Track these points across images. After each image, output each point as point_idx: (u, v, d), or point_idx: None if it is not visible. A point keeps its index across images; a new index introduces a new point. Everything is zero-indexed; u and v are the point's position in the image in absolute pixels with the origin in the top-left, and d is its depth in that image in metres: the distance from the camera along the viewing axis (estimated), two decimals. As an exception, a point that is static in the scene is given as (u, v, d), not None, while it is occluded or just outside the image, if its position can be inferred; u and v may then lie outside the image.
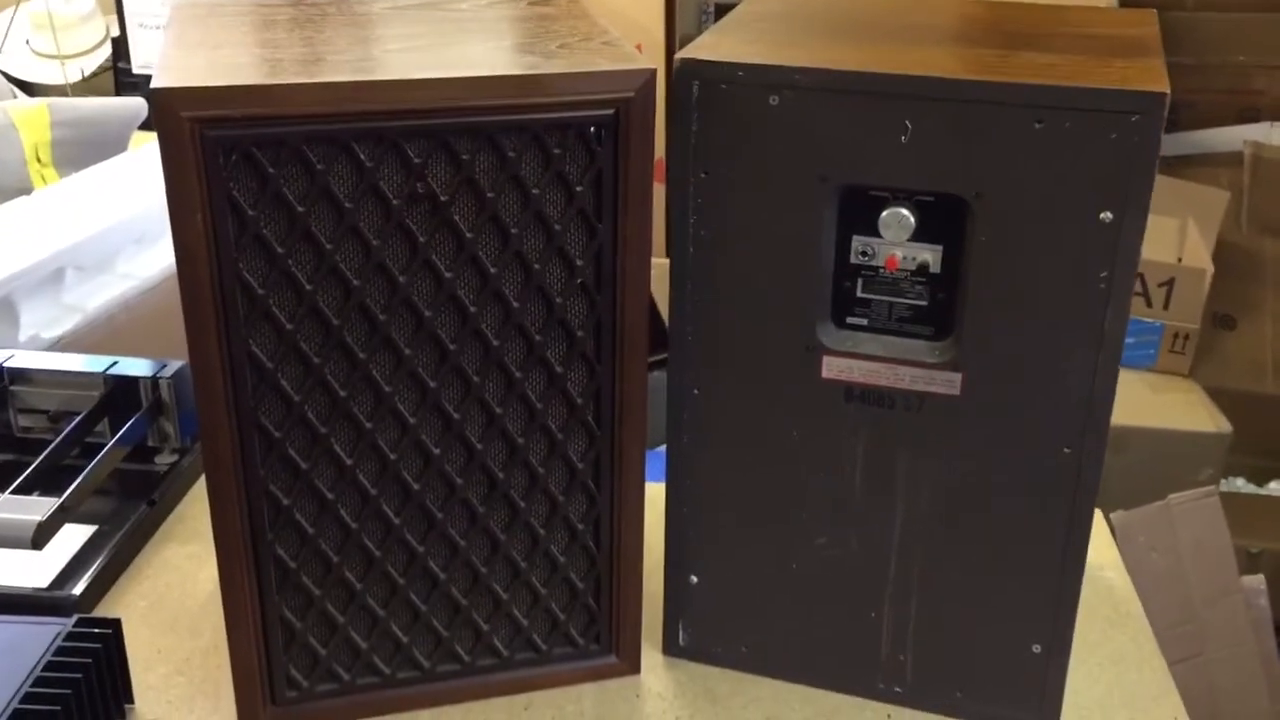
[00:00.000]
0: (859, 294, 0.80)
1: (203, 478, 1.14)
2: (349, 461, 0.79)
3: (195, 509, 1.11)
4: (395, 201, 0.73)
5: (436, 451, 0.81)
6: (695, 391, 0.84)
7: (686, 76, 0.76)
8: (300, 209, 0.72)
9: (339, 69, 0.72)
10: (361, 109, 0.71)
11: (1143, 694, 0.90)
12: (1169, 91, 0.68)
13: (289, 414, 0.77)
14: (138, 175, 1.61)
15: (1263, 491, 1.99)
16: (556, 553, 0.87)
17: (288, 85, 0.70)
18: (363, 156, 0.72)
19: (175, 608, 0.99)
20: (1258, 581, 1.38)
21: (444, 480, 0.82)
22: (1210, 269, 2.09)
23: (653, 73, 0.74)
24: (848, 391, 0.81)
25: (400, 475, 0.81)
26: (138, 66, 2.56)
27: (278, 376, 0.76)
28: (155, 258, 1.46)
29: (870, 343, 0.80)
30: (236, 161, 0.70)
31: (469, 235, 0.75)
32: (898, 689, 0.88)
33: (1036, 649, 0.84)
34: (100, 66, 2.80)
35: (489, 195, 0.74)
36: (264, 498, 0.79)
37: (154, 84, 0.69)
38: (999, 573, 0.82)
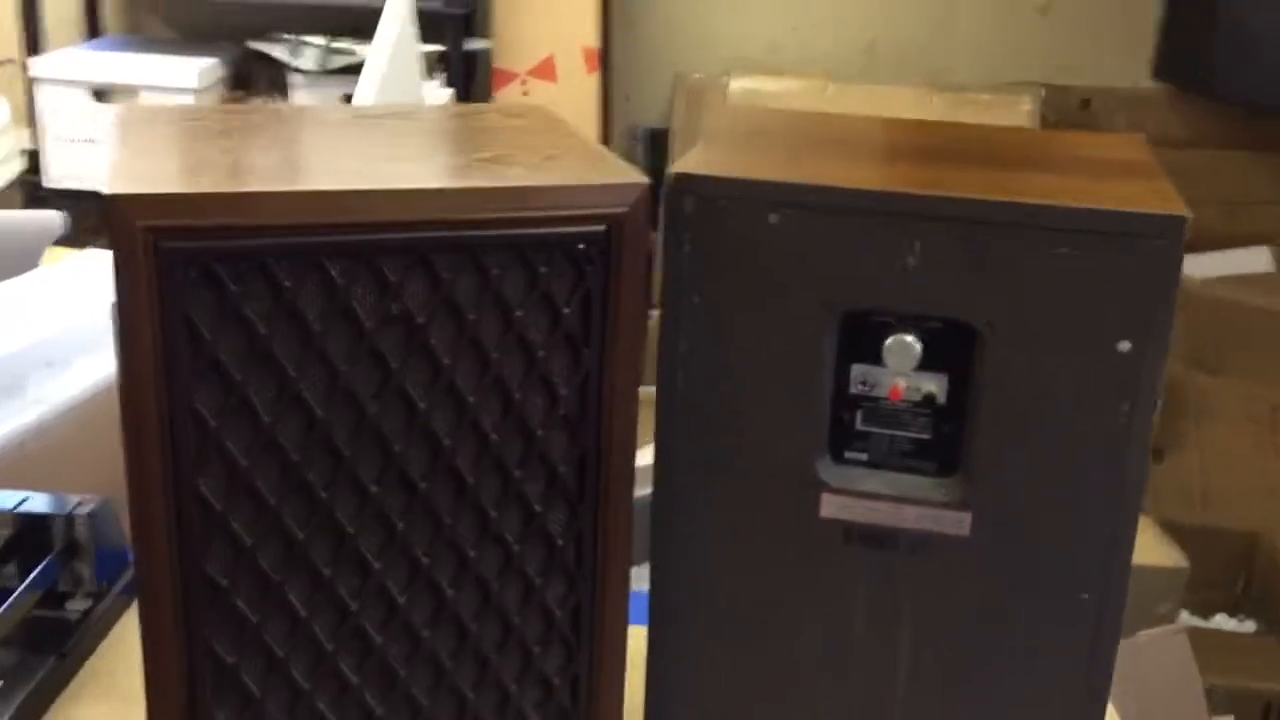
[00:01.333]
0: (858, 426, 0.75)
1: (119, 625, 1.04)
2: (304, 614, 0.71)
3: (111, 661, 1.00)
4: (368, 323, 0.67)
5: (402, 600, 0.73)
6: (684, 532, 0.78)
7: (680, 192, 0.72)
8: (263, 331, 0.65)
9: (313, 177, 0.67)
10: (339, 221, 0.65)
11: None
12: (1189, 216, 0.66)
13: (238, 561, 0.69)
14: (48, 293, 1.51)
15: (1209, 625, 1.97)
16: (529, 712, 0.78)
17: (259, 194, 0.64)
18: (334, 274, 0.65)
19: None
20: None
21: (408, 633, 0.74)
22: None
23: (646, 186, 0.70)
24: (847, 531, 0.75)
25: (361, 628, 0.73)
26: (52, 180, 2.46)
27: (228, 519, 0.68)
28: (68, 383, 1.36)
29: (871, 479, 0.75)
30: (195, 277, 0.63)
31: (446, 361, 0.69)
32: None
33: (1053, 812, 0.77)
34: (8, 181, 2.69)
35: (470, 317, 0.69)
36: (207, 659, 0.70)
37: (108, 189, 0.62)
38: (1007, 713, 0.76)
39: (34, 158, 2.66)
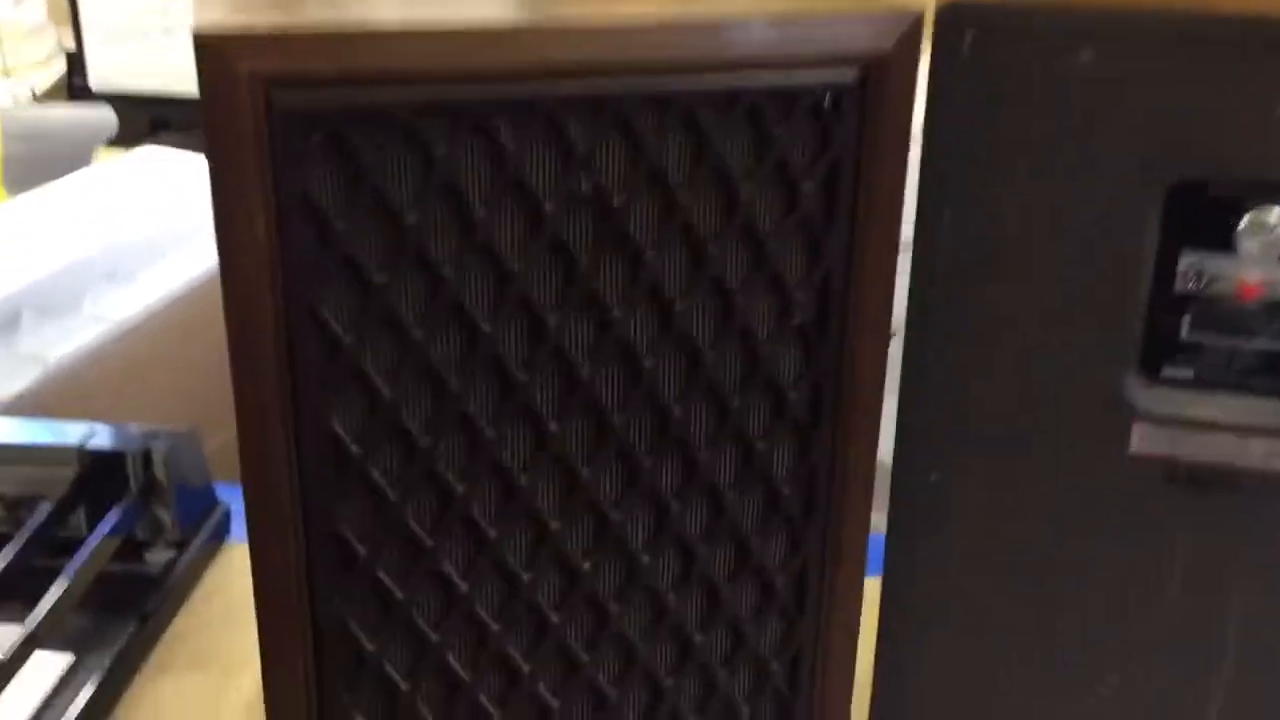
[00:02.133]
0: (1185, 335, 0.56)
1: (207, 577, 0.89)
2: (463, 585, 0.55)
3: (202, 620, 0.85)
4: (548, 206, 0.50)
5: (586, 566, 0.56)
6: (933, 477, 0.60)
7: (957, 23, 0.53)
8: (411, 218, 0.48)
9: (465, 10, 0.49)
10: (508, 66, 0.47)
11: None
12: None
13: (379, 519, 0.53)
14: (107, 195, 1.35)
15: None
16: (739, 701, 0.62)
17: (403, 33, 0.46)
18: (504, 138, 0.48)
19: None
20: None
21: (591, 607, 0.58)
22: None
23: (918, 18, 0.51)
24: (1169, 472, 0.57)
25: (534, 603, 0.56)
26: (97, 84, 2.28)
27: (367, 465, 0.52)
28: (132, 296, 1.21)
29: (1203, 404, 0.57)
30: (320, 144, 0.47)
31: (648, 255, 0.52)
32: None
33: None
34: (53, 84, 2.53)
35: (679, 197, 0.51)
36: (339, 644, 0.54)
37: (198, 26, 0.45)
38: (1377, 725, 0.58)
39: (75, 59, 2.44)
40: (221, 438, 1.27)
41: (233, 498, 0.95)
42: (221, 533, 0.92)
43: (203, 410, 1.11)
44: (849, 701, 0.63)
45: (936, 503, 0.61)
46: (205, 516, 0.92)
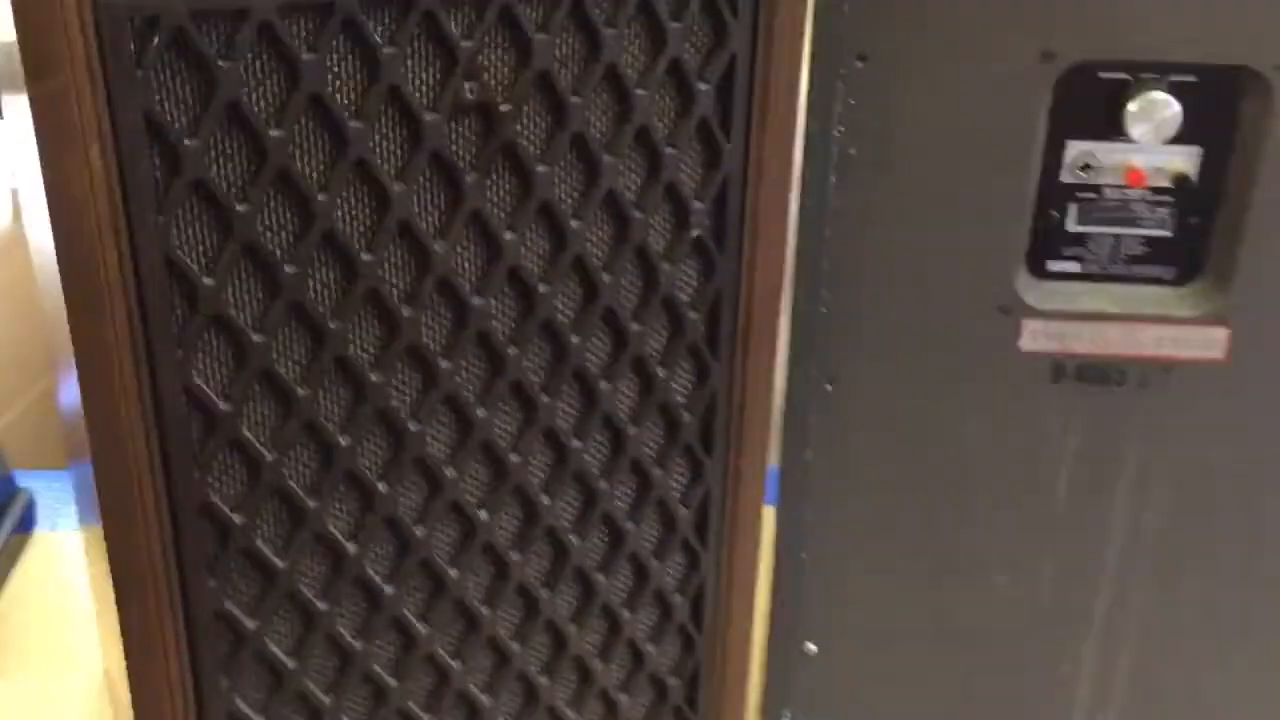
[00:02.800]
0: (1072, 226, 0.56)
1: (15, 575, 0.80)
2: (350, 547, 0.49)
3: (16, 625, 0.76)
4: (428, 116, 0.44)
5: (482, 514, 0.52)
6: (828, 386, 0.59)
7: (847, -92, 0.50)
8: (274, 133, 0.42)
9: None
10: (377, -47, 0.41)
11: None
12: None
13: (253, 489, 0.46)
14: None
15: None
16: (641, 641, 0.59)
17: (253, -93, 0.39)
18: (375, 36, 0.42)
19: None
20: None
21: (490, 556, 0.53)
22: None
23: (812, -101, 0.48)
24: (1057, 368, 0.57)
25: (428, 558, 0.51)
26: None
27: (238, 421, 0.45)
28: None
29: (1090, 296, 0.57)
30: (161, 48, 0.39)
31: (539, 169, 0.47)
32: (1093, 762, 0.66)
33: (1293, 689, 0.63)
34: None
35: (571, 100, 0.46)
36: (216, 627, 0.48)
37: (1, -92, 0.37)
38: (1256, 593, 0.61)
39: None
40: (6, 418, 1.14)
41: (34, 484, 0.85)
42: (28, 523, 0.82)
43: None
44: (751, 630, 0.61)
45: (832, 412, 0.59)
46: (6, 507, 0.81)
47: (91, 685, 0.71)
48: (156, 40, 0.39)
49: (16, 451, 0.90)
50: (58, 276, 0.42)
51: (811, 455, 0.60)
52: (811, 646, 0.65)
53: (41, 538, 0.83)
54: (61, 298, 0.42)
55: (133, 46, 0.39)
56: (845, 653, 0.65)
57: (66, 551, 0.82)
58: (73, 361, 0.50)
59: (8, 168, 1.27)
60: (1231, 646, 0.62)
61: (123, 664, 0.55)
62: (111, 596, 0.56)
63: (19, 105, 0.50)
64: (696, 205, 0.51)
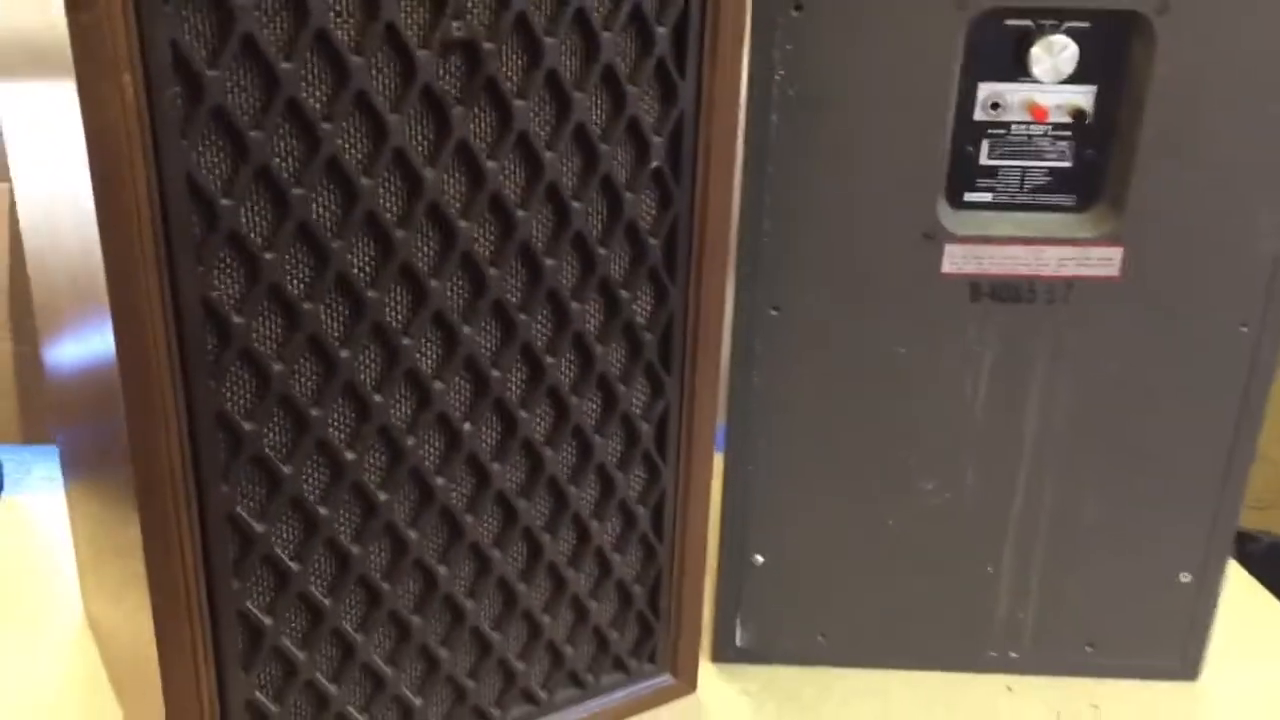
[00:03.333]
0: (984, 160, 0.63)
1: None
2: (349, 455, 0.54)
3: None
4: (421, 53, 0.49)
5: (466, 426, 0.57)
6: (773, 311, 0.65)
7: (784, -128, 0.56)
8: (285, 65, 0.46)
9: None
10: (377, -98, 0.46)
11: (1264, 622, 0.79)
12: None
13: (262, 398, 0.51)
14: None
15: None
16: (608, 550, 0.64)
17: None
18: (376, -19, 0.47)
19: (20, 718, 0.68)
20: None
21: (473, 467, 0.58)
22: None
23: None
24: (974, 288, 0.64)
25: (417, 466, 0.56)
26: None
27: (249, 333, 0.50)
28: None
29: (1002, 223, 0.63)
30: (186, -14, 0.44)
31: (517, 103, 0.52)
32: (1014, 654, 0.73)
33: (1186, 578, 0.70)
34: None
35: (545, 40, 0.52)
36: (228, 525, 0.52)
37: None
38: (1149, 489, 0.68)
39: None
40: None
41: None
42: (-4, 483, 0.85)
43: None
44: (706, 538, 0.67)
45: (776, 333, 0.65)
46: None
47: (72, 629, 0.74)
48: (182, -22, 0.44)
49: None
50: (64, 228, 0.46)
51: (757, 376, 0.66)
52: (759, 557, 0.70)
53: (7, 500, 0.86)
54: (70, 257, 0.47)
55: (161, -17, 0.43)
56: (790, 561, 0.70)
57: (34, 514, 0.85)
58: (72, 316, 0.54)
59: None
60: (1127, 536, 0.69)
61: (117, 585, 0.59)
62: (102, 542, 0.60)
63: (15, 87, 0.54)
64: (655, 139, 0.56)
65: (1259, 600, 0.82)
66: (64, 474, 0.71)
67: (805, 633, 0.72)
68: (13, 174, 0.63)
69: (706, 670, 0.73)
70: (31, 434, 1.27)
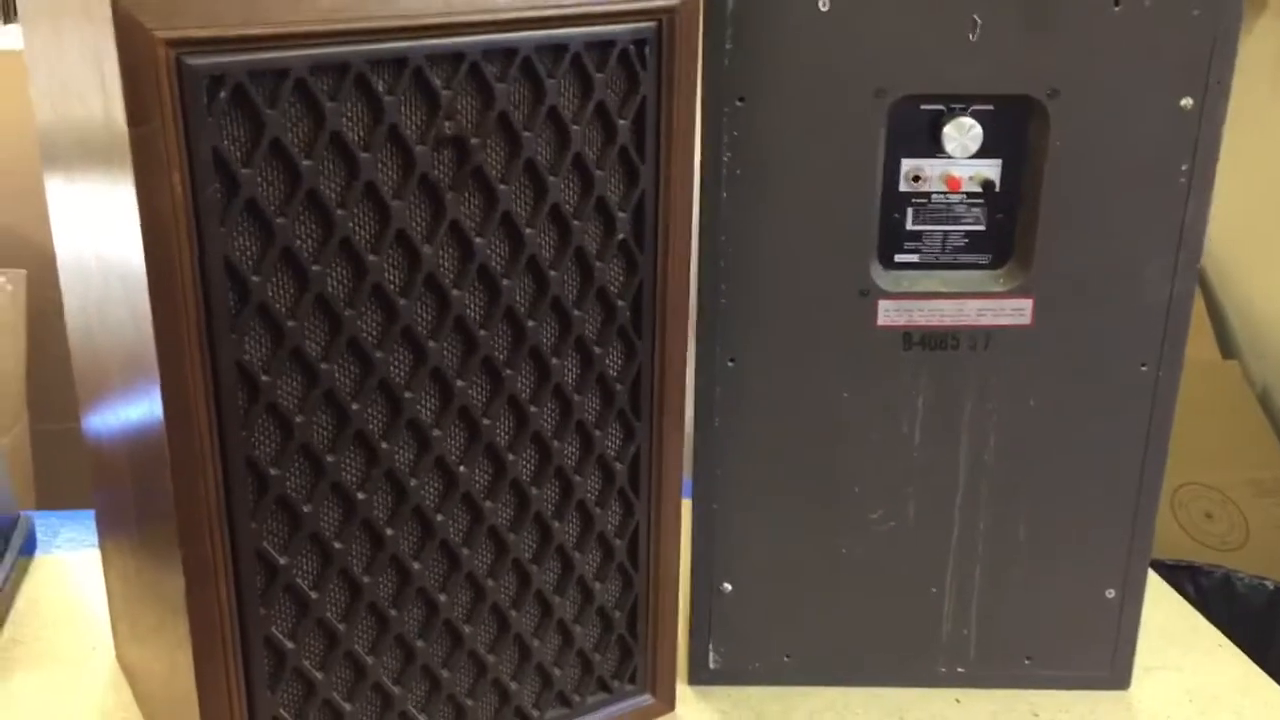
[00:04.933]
0: (909, 226, 0.72)
1: (27, 587, 0.89)
2: (360, 495, 0.62)
3: (34, 627, 0.86)
4: (418, 148, 0.58)
5: (462, 469, 0.65)
6: (730, 363, 0.73)
7: (721, -14, 0.66)
8: (306, 162, 0.55)
9: (341, -21, 0.57)
10: (379, 26, 0.55)
11: (1190, 635, 0.87)
12: (1241, -35, 0.66)
13: (287, 442, 0.59)
14: None
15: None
16: (590, 578, 0.72)
17: (291, -5, 0.53)
18: (380, 89, 0.56)
19: (51, 754, 0.75)
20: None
21: (468, 504, 0.66)
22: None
23: (698, -22, 0.64)
24: (906, 338, 0.73)
25: (419, 505, 0.64)
26: None
27: (274, 391, 0.58)
28: None
29: (928, 279, 0.72)
30: (225, 100, 0.53)
31: (501, 188, 0.61)
32: (960, 669, 0.80)
33: (1110, 594, 0.78)
34: None
35: (524, 134, 0.61)
36: (255, 561, 0.60)
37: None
38: (1070, 513, 0.76)
39: None
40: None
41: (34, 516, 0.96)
42: (30, 548, 0.92)
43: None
44: (678, 568, 0.75)
45: (733, 383, 0.73)
46: (11, 531, 0.91)
47: (108, 671, 0.81)
48: (221, 94, 0.52)
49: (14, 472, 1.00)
50: (98, 311, 0.54)
51: (719, 421, 0.74)
52: (727, 586, 0.78)
53: (43, 559, 0.93)
54: (115, 334, 0.55)
55: (205, 98, 0.52)
56: (755, 589, 0.78)
57: (67, 571, 0.92)
58: (119, 382, 0.62)
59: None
60: (1055, 558, 0.77)
61: (152, 627, 0.66)
62: (137, 589, 0.68)
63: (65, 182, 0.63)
64: (621, 215, 0.65)
65: (1185, 617, 0.90)
66: (100, 530, 0.79)
67: (772, 655, 0.80)
68: (59, 258, 0.71)
69: (683, 691, 0.80)
70: (47, 502, 1.35)
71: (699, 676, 0.81)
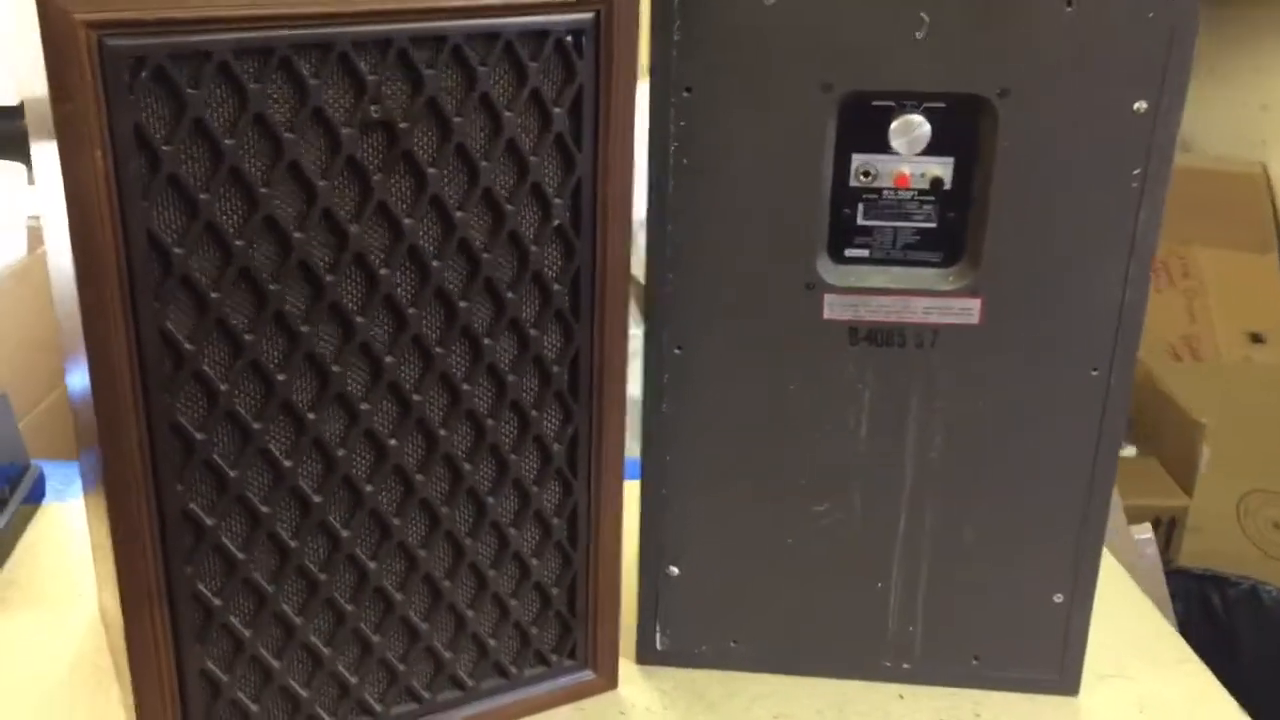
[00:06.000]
0: (860, 221, 0.72)
1: (30, 532, 0.94)
2: (287, 463, 0.64)
3: (28, 571, 0.90)
4: (344, 131, 0.59)
5: (392, 443, 0.66)
6: (677, 350, 0.74)
7: (670, -23, 0.66)
8: (227, 141, 0.57)
9: (269, -37, 0.58)
10: (302, 11, 0.57)
11: (1154, 646, 0.86)
12: (1201, -33, 0.64)
13: (212, 408, 0.61)
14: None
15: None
16: (527, 555, 0.74)
17: (214, -21, 0.55)
18: (304, 72, 0.58)
19: (28, 689, 0.79)
20: (1145, 530, 1.39)
21: (400, 479, 0.68)
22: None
23: (637, -31, 0.64)
24: (852, 332, 0.72)
25: (349, 476, 0.66)
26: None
27: (199, 359, 0.60)
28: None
29: (876, 275, 0.72)
30: (146, 80, 0.55)
31: (431, 171, 0.62)
32: (906, 665, 0.80)
33: (1058, 598, 0.77)
34: None
35: (454, 120, 0.62)
36: (182, 520, 0.63)
37: (34, -20, 0.52)
38: (1018, 516, 0.75)
39: None
40: (28, 418, 1.29)
41: (47, 467, 1.00)
42: (38, 494, 0.97)
43: (16, 385, 1.13)
44: (618, 545, 0.76)
45: (680, 370, 0.74)
46: (20, 479, 0.96)
47: (90, 617, 0.85)
48: (143, 74, 0.55)
49: (34, 444, 1.06)
50: (70, 271, 0.56)
51: (667, 407, 0.75)
52: (674, 569, 0.79)
53: (49, 507, 0.98)
54: (73, 295, 0.57)
55: (127, 78, 0.54)
56: (701, 574, 0.79)
57: (70, 519, 0.97)
58: (81, 342, 0.65)
59: (22, 208, 1.44)
60: (1003, 559, 0.77)
61: (113, 578, 0.69)
62: (107, 538, 0.71)
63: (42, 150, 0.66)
64: (557, 201, 0.66)
65: (1153, 628, 0.88)
66: (83, 486, 0.83)
67: (718, 639, 0.81)
68: (43, 219, 0.74)
69: (630, 670, 0.81)
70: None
71: (647, 656, 0.82)
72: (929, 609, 0.79)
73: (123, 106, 0.54)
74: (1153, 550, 1.40)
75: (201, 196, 0.57)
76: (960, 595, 0.78)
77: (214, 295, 0.59)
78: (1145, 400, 1.86)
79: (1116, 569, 0.93)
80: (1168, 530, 1.66)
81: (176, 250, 0.58)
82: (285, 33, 0.57)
